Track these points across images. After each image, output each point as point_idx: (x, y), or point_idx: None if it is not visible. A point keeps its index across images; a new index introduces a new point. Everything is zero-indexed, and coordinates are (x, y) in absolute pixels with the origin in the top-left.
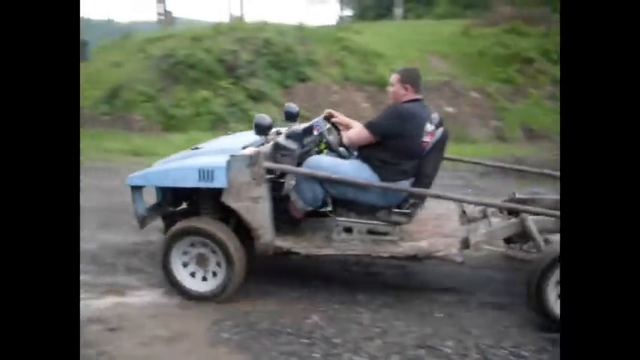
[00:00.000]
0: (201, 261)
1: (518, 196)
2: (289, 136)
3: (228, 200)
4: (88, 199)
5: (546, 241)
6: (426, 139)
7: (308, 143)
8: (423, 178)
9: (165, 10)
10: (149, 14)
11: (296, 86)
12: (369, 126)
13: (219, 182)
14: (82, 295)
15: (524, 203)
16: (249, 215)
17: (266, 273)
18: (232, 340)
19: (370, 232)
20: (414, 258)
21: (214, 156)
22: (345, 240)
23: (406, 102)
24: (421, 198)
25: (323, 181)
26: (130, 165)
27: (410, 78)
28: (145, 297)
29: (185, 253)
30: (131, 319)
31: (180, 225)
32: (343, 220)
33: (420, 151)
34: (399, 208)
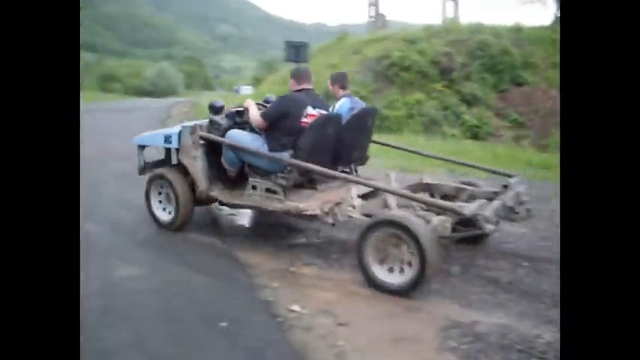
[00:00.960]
0: (168, 200)
1: (425, 181)
2: (226, 115)
3: (181, 158)
4: None
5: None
6: (305, 119)
7: (243, 122)
8: (299, 151)
9: (377, 13)
10: (357, 17)
11: (511, 90)
12: (262, 115)
13: (174, 144)
14: (309, 287)
15: (427, 187)
16: (191, 169)
17: (488, 284)
18: (460, 350)
19: (267, 190)
20: (288, 213)
21: (177, 127)
22: (251, 195)
23: (295, 91)
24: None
25: (233, 149)
26: None
27: (295, 74)
28: (370, 297)
29: (160, 193)
30: (359, 316)
31: (154, 171)
32: (252, 180)
33: (299, 129)
34: (282, 173)
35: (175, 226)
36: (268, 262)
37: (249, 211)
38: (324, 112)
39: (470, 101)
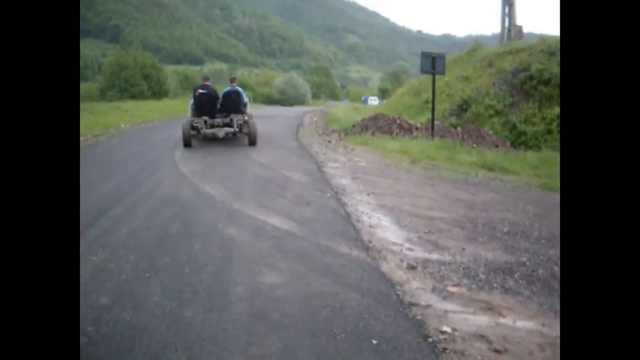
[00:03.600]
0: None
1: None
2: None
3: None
4: (448, 210)
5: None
6: (197, 93)
7: None
8: (195, 107)
9: (513, 24)
10: (487, 28)
11: None
12: None
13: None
14: (458, 309)
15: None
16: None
17: None
18: None
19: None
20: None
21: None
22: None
23: (202, 84)
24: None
25: None
26: (489, 180)
27: (203, 78)
28: (528, 323)
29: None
30: (517, 344)
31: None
32: None
33: (198, 96)
34: None
35: (184, 140)
36: (415, 279)
37: (397, 229)
38: (205, 91)
39: None
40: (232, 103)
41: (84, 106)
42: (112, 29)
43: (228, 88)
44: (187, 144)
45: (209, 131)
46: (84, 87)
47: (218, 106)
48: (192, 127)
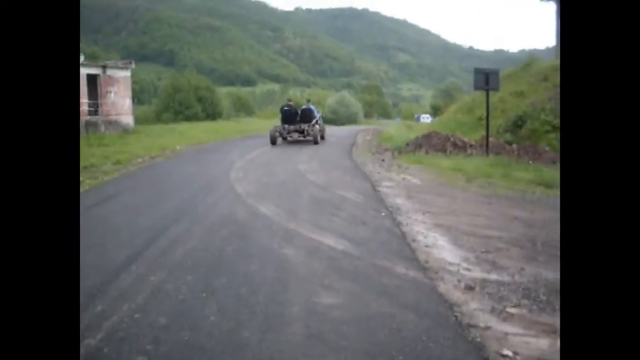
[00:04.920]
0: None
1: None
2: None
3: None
4: (505, 228)
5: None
6: (283, 109)
7: None
8: (282, 119)
9: None
10: (540, 42)
11: None
12: None
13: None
14: (519, 331)
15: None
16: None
17: None
18: None
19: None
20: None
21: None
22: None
23: (287, 103)
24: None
25: None
26: (547, 197)
27: (288, 99)
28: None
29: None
30: None
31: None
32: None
33: (283, 111)
34: None
35: (271, 140)
36: (473, 300)
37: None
38: (288, 108)
39: None
40: (305, 116)
41: (140, 129)
42: (167, 53)
43: (304, 106)
44: (273, 142)
45: (287, 135)
46: (140, 110)
47: (298, 118)
48: (277, 132)
